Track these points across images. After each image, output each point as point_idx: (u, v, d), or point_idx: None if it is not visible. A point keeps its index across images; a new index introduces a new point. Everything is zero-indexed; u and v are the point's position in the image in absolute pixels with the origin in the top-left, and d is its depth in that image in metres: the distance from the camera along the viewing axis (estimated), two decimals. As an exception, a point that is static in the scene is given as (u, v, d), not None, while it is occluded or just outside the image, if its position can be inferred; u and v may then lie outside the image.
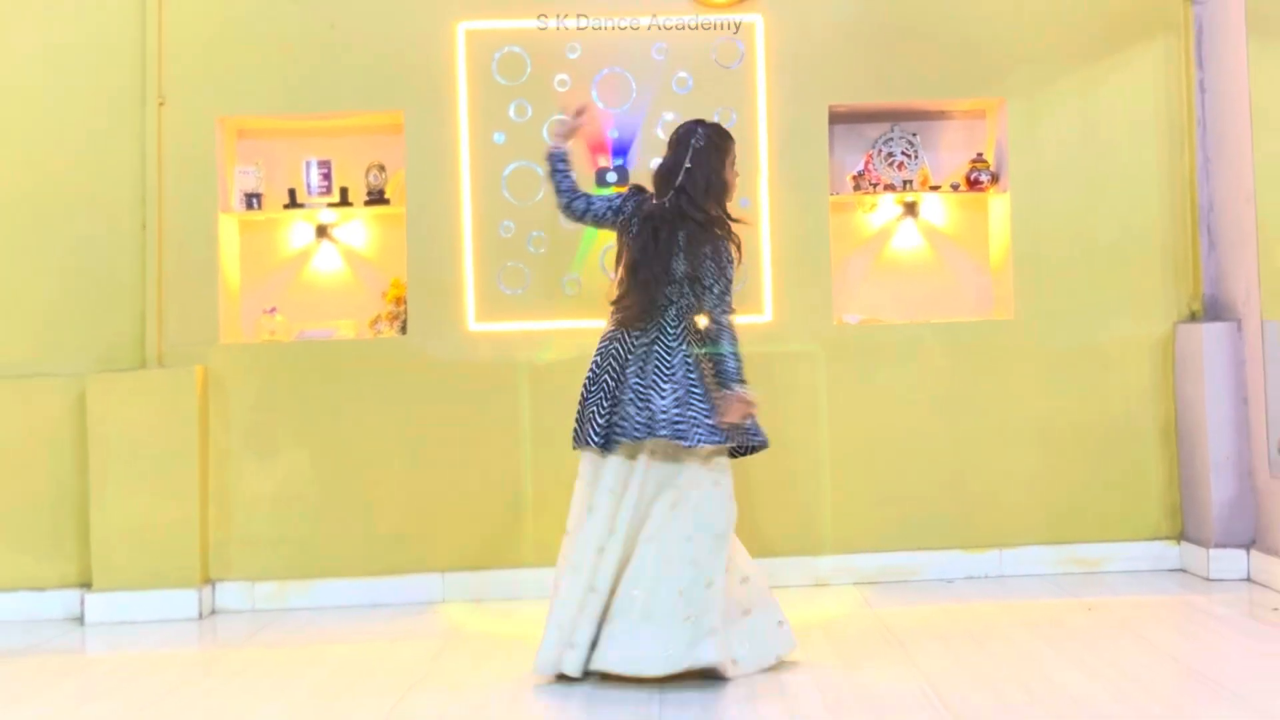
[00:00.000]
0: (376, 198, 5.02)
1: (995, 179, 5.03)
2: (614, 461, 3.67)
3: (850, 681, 3.53)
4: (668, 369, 3.67)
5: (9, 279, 4.82)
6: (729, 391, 3.66)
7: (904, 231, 5.19)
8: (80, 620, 4.64)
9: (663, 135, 4.86)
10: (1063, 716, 3.17)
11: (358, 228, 5.16)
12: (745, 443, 3.78)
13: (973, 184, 5.03)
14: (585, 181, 4.80)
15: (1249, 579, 4.61)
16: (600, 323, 4.75)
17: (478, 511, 4.84)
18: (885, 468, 4.90)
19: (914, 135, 5.10)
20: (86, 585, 4.71)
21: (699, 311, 3.73)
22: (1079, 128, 4.95)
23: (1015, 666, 3.62)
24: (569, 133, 3.94)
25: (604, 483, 3.67)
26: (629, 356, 3.71)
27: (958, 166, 5.15)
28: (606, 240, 4.87)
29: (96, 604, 4.63)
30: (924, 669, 3.62)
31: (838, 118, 5.03)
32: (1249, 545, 4.65)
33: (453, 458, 4.83)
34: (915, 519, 4.90)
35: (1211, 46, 4.85)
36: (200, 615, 4.65)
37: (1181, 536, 4.89)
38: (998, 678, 3.50)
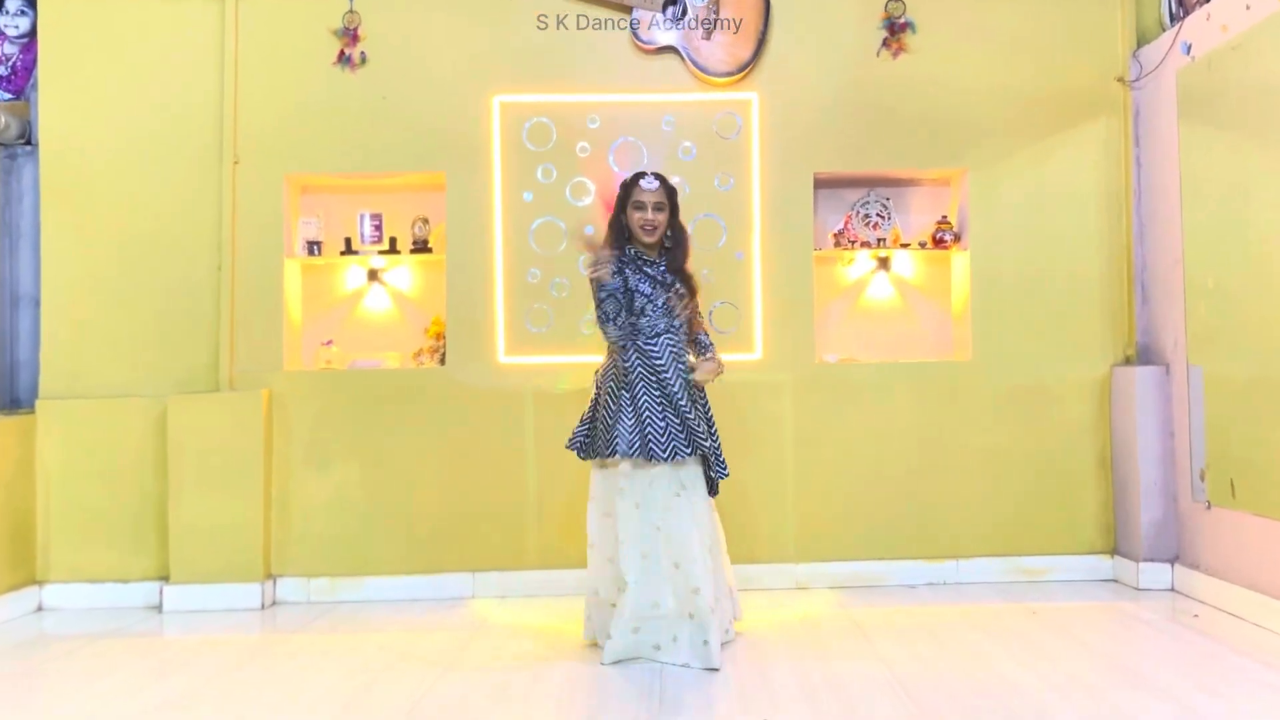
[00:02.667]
0: (421, 246, 5.21)
1: (958, 238, 5.22)
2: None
3: (824, 670, 3.71)
4: None
5: (105, 312, 5.02)
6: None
7: (877, 283, 5.39)
8: (159, 609, 4.82)
9: (669, 196, 5.08)
10: (1004, 701, 3.35)
11: (404, 272, 5.36)
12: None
13: (938, 242, 5.22)
14: (602, 237, 5.04)
15: (1173, 589, 4.79)
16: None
17: (504, 518, 5.01)
18: (858, 487, 5.07)
19: (887, 199, 5.30)
20: (164, 578, 4.90)
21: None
22: (1031, 195, 5.14)
23: (966, 660, 3.80)
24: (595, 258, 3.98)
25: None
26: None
27: (925, 227, 5.34)
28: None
29: (173, 594, 4.81)
30: (888, 661, 3.81)
31: (821, 183, 5.23)
32: (1173, 560, 4.83)
33: (483, 472, 5.02)
34: (884, 532, 5.07)
35: (1147, 126, 5.06)
36: (262, 606, 4.83)
37: (1114, 551, 5.06)
38: (951, 669, 3.69)
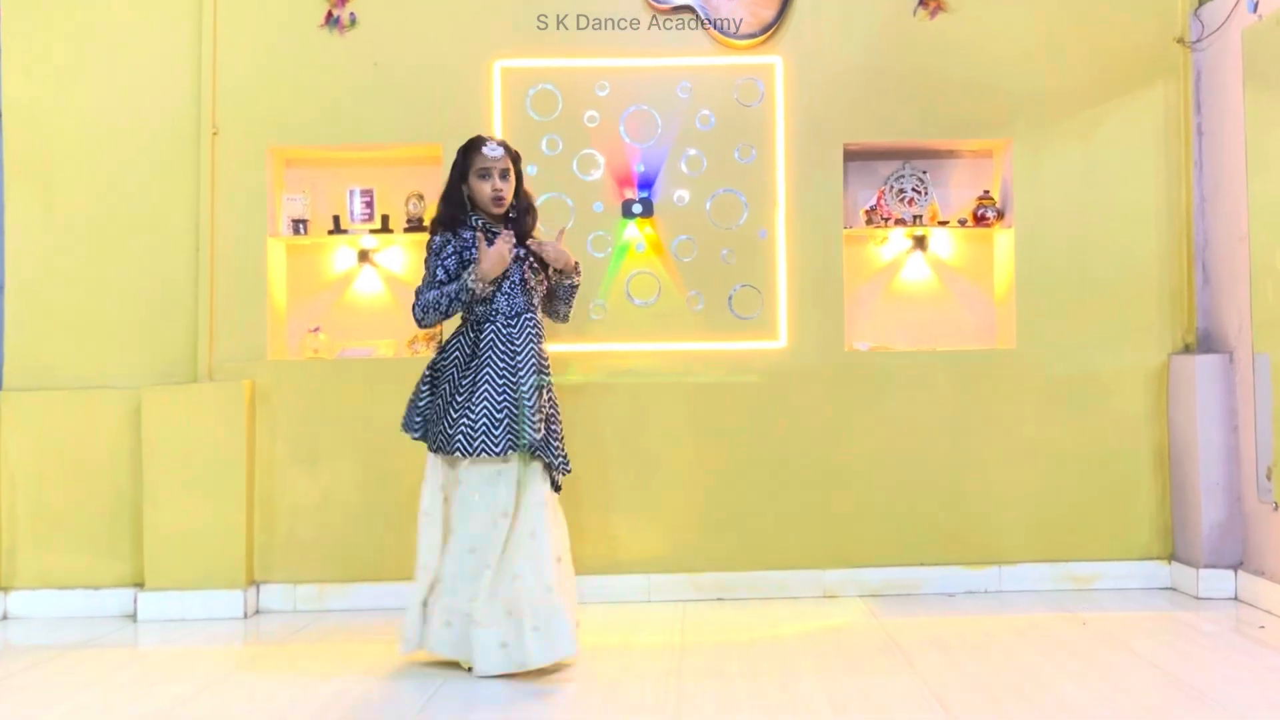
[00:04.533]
0: (416, 225, 5.13)
1: (1000, 215, 5.13)
2: None
3: (857, 686, 3.62)
4: None
5: (75, 297, 4.96)
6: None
7: (913, 264, 5.29)
8: (133, 618, 4.76)
9: (686, 170, 5.00)
10: (1054, 724, 3.27)
11: (397, 253, 5.28)
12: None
13: (979, 219, 5.13)
14: (612, 213, 4.98)
15: (1236, 598, 4.69)
16: (625, 345, 4.94)
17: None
18: (892, 486, 4.98)
19: (924, 173, 5.20)
20: (139, 585, 4.83)
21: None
22: (1081, 167, 5.04)
23: (1013, 675, 3.71)
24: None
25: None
26: None
27: (965, 203, 5.25)
28: (631, 268, 5.01)
29: (148, 602, 4.75)
30: (927, 676, 3.72)
31: (851, 155, 5.14)
32: (1237, 566, 4.73)
33: (483, 470, 4.94)
34: (919, 535, 4.98)
35: (1209, 91, 4.95)
36: (245, 615, 4.77)
37: (1172, 557, 4.96)
38: (996, 685, 3.60)
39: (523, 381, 3.83)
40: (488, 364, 3.86)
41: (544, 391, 3.92)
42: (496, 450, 3.76)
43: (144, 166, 5.00)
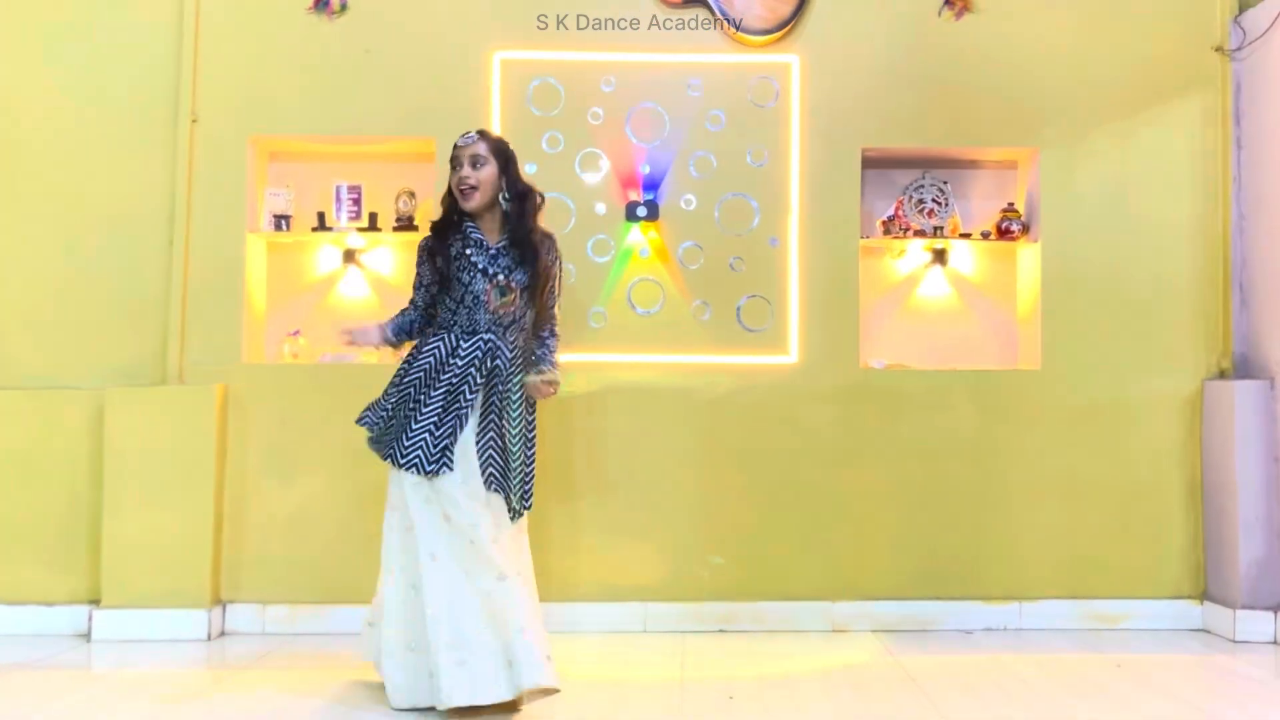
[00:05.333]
0: (405, 224, 4.83)
1: (1026, 229, 4.83)
2: None
3: (876, 732, 3.30)
4: None
5: (37, 291, 4.65)
6: None
7: (932, 278, 4.99)
8: (87, 637, 4.41)
9: (695, 173, 4.70)
10: (1101, 778, 2.94)
11: (385, 254, 4.97)
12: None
13: (1003, 233, 4.83)
14: (615, 216, 4.68)
15: (1276, 642, 4.37)
16: (626, 356, 4.64)
17: (494, 542, 4.61)
18: (906, 514, 4.67)
19: (945, 183, 4.91)
20: (95, 601, 4.49)
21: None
22: (1112, 180, 4.76)
23: (1043, 718, 3.39)
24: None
25: None
26: None
27: (988, 216, 4.96)
28: (634, 275, 4.71)
29: (104, 621, 4.40)
30: (948, 718, 3.39)
31: (868, 163, 4.85)
32: (1277, 608, 4.41)
33: (471, 487, 4.62)
34: (935, 567, 4.66)
35: (1250, 101, 4.67)
36: (209, 636, 4.42)
37: (1204, 596, 4.64)
38: (1029, 734, 3.28)
39: (437, 399, 3.53)
40: (418, 373, 3.58)
41: (485, 417, 3.55)
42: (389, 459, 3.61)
43: (116, 154, 4.69)
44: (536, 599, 3.58)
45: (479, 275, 3.57)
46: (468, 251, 3.60)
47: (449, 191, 3.69)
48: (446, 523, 3.44)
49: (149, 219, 4.67)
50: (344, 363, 4.73)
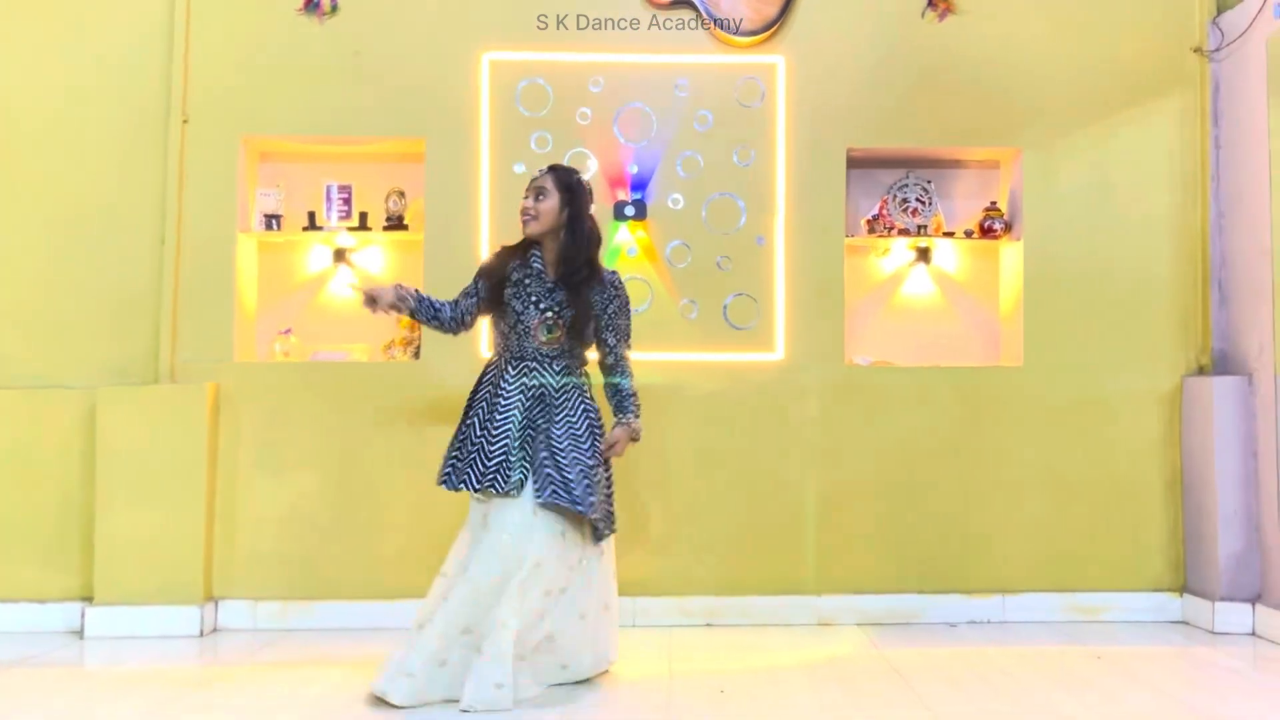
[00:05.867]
0: (395, 223, 4.83)
1: (1008, 227, 4.86)
2: None
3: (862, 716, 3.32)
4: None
5: (28, 290, 4.63)
6: None
7: (916, 276, 5.01)
8: (80, 634, 4.40)
9: (682, 172, 4.71)
10: (1083, 768, 2.96)
11: (375, 253, 4.97)
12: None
13: (985, 231, 4.85)
14: (603, 215, 4.68)
15: (1254, 633, 4.40)
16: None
17: (483, 539, 4.61)
18: (891, 509, 4.68)
19: (929, 182, 4.93)
20: (88, 599, 4.47)
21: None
22: (1093, 180, 4.78)
23: (1031, 711, 3.40)
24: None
25: None
26: None
27: (971, 214, 4.98)
28: (623, 273, 4.65)
29: (97, 618, 4.39)
30: (937, 710, 3.40)
31: (853, 163, 4.86)
32: (1254, 600, 4.44)
33: (461, 484, 4.61)
34: (920, 561, 4.68)
35: (1229, 102, 4.70)
36: (201, 632, 4.41)
37: (1184, 589, 4.67)
38: (1012, 725, 3.30)
39: (494, 422, 3.63)
40: (481, 403, 3.71)
41: (538, 437, 3.62)
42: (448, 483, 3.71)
43: (108, 154, 4.68)
44: (570, 627, 3.63)
45: (531, 307, 3.65)
46: (526, 281, 3.66)
47: None
48: (484, 543, 3.55)
49: (141, 219, 4.65)
50: (335, 361, 4.73)
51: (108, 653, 4.18)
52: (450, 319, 3.77)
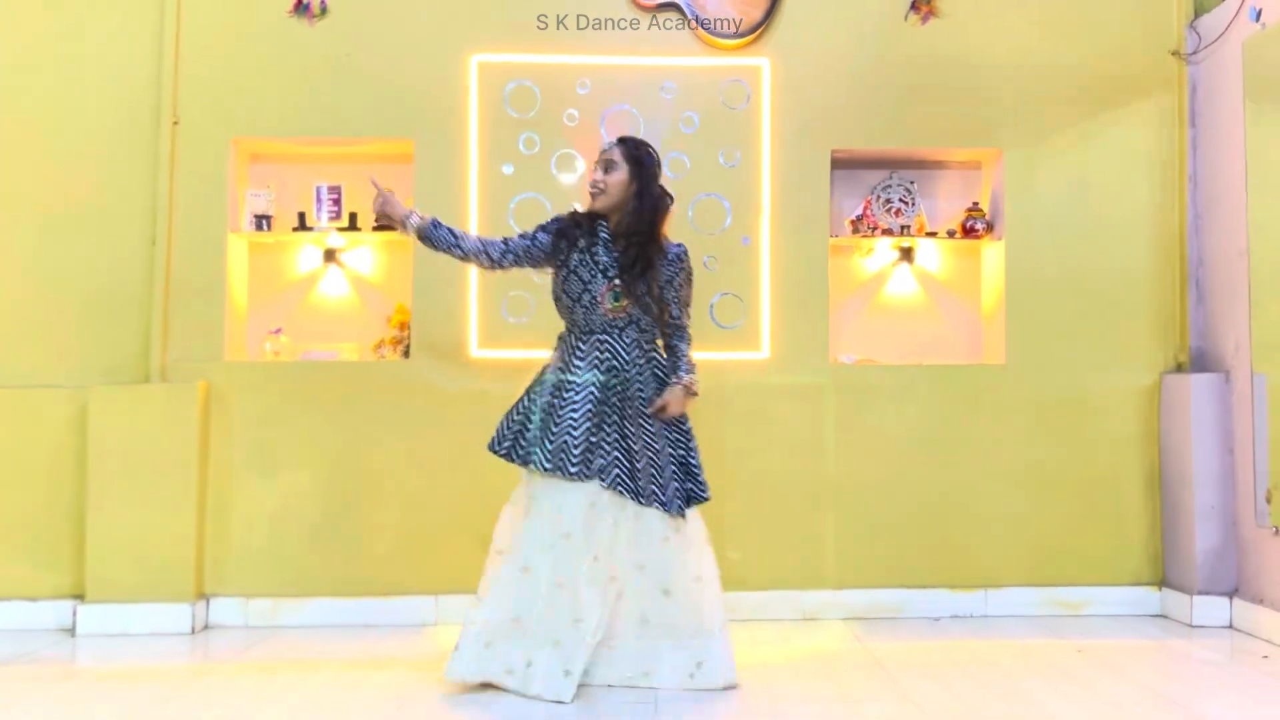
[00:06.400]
0: (385, 224, 4.82)
1: (990, 227, 4.88)
2: None
3: (848, 714, 3.32)
4: None
5: (19, 290, 4.60)
6: None
7: (899, 276, 5.03)
8: (71, 631, 4.39)
9: (669, 173, 4.68)
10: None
11: (365, 253, 4.97)
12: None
13: (968, 231, 4.88)
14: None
15: (1231, 626, 4.43)
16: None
17: (473, 536, 4.57)
18: (874, 505, 4.70)
19: (911, 183, 4.95)
20: (79, 597, 4.45)
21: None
22: (1073, 180, 4.81)
23: (1011, 703, 3.42)
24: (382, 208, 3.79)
25: None
26: None
27: (953, 215, 5.00)
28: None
29: (88, 615, 4.38)
30: (920, 702, 3.42)
31: (837, 164, 4.87)
32: (1232, 593, 4.47)
33: (451, 482, 4.62)
34: (903, 557, 4.70)
35: (1206, 104, 4.73)
36: (193, 630, 4.40)
37: (1162, 583, 4.70)
38: (994, 714, 3.31)
39: (564, 400, 3.59)
40: (556, 374, 3.67)
41: (612, 414, 3.58)
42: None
43: (99, 154, 4.66)
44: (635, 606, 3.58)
45: (599, 275, 3.59)
46: (595, 249, 3.62)
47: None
48: (553, 523, 3.51)
49: (132, 219, 4.63)
50: (325, 360, 4.72)
51: (99, 650, 4.16)
52: (476, 250, 3.70)
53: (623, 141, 3.72)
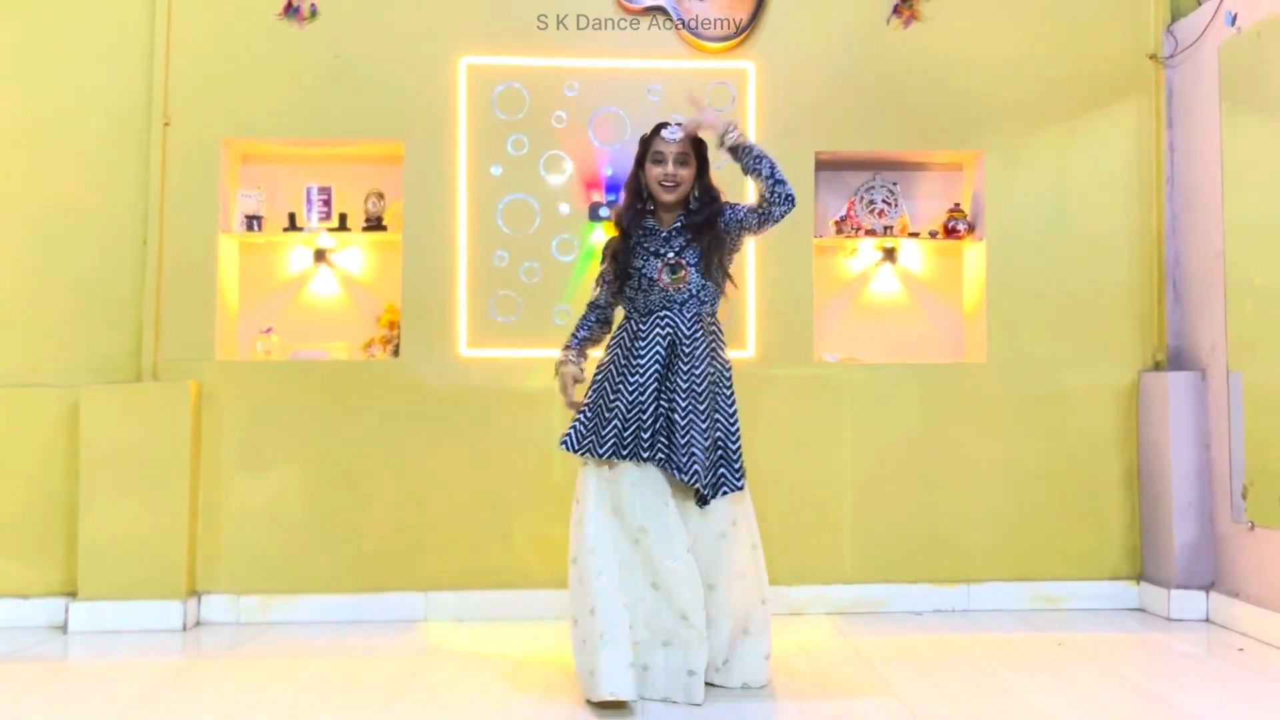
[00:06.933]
0: (374, 224, 4.83)
1: (971, 228, 4.91)
2: None
3: (831, 706, 3.34)
4: None
5: (10, 290, 4.59)
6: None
7: (882, 276, 5.05)
8: (63, 629, 4.37)
9: (655, 174, 4.73)
10: (1044, 749, 3.00)
11: (355, 253, 4.96)
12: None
13: (950, 232, 4.90)
14: (579, 216, 4.70)
15: (1208, 620, 4.47)
16: (592, 352, 4.60)
17: (461, 533, 4.62)
18: (858, 502, 4.72)
19: (894, 184, 4.97)
20: (71, 594, 4.45)
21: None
22: (1052, 182, 4.84)
23: (993, 695, 3.44)
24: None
25: None
26: None
27: (935, 215, 5.03)
28: (596, 273, 4.72)
29: (80, 612, 4.36)
30: (903, 695, 3.44)
31: (821, 165, 4.89)
32: (1208, 587, 4.51)
33: (440, 479, 4.62)
34: (886, 553, 4.72)
35: (1182, 109, 4.76)
36: (184, 626, 4.39)
37: (1140, 577, 4.74)
38: (974, 705, 3.33)
39: (628, 384, 3.44)
40: (611, 359, 3.54)
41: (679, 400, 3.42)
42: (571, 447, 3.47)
43: (91, 156, 4.65)
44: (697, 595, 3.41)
45: (651, 258, 3.51)
46: (643, 239, 3.54)
47: (633, 184, 3.59)
48: (616, 514, 3.41)
49: (123, 220, 4.62)
50: (315, 359, 4.72)
51: (91, 647, 4.15)
52: (601, 328, 3.73)
53: (689, 134, 3.57)
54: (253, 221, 4.80)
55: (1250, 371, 4.28)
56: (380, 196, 4.84)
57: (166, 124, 4.64)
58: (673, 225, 3.55)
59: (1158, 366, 4.78)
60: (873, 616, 4.60)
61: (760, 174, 3.48)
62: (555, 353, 4.53)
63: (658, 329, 3.48)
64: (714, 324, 3.61)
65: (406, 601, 4.57)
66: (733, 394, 3.58)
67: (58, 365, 4.57)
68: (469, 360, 4.68)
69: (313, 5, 4.69)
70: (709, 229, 3.53)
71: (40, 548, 4.48)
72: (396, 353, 4.78)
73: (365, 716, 3.26)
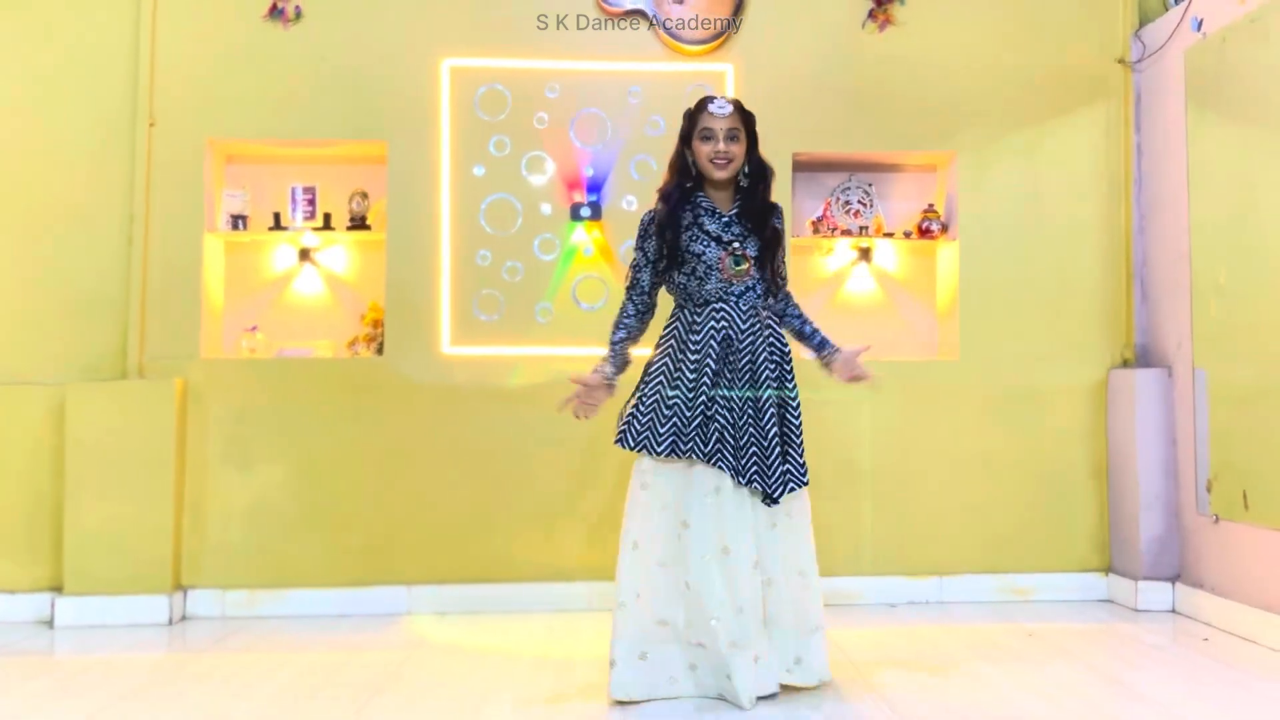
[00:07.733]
0: (358, 224, 4.82)
1: (945, 228, 4.94)
2: None
3: (807, 698, 3.36)
4: None
5: (-4, 287, 4.57)
6: None
7: (858, 275, 5.08)
8: (50, 624, 4.35)
9: (635, 175, 4.75)
10: (1015, 737, 3.03)
11: (339, 252, 4.95)
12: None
13: (924, 232, 4.93)
14: (560, 216, 4.71)
15: (1174, 610, 4.51)
16: (571, 350, 4.61)
17: (445, 527, 4.62)
18: (833, 496, 4.71)
19: (869, 185, 5.00)
20: (58, 589, 4.42)
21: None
22: (1023, 183, 4.87)
23: (967, 685, 3.47)
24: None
25: None
26: None
27: (909, 216, 5.05)
28: (579, 272, 4.74)
29: (67, 608, 4.34)
30: (878, 687, 3.46)
31: (799, 166, 4.91)
32: (1174, 579, 4.55)
33: (423, 475, 4.62)
34: (860, 546, 4.75)
35: (1149, 112, 4.81)
36: (170, 621, 4.38)
37: (1109, 569, 4.78)
38: (951, 696, 3.36)
39: (685, 378, 3.29)
40: (666, 353, 3.37)
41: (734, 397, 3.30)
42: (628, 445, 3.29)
43: (76, 155, 4.62)
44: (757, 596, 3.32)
45: (713, 244, 3.32)
46: (701, 220, 3.35)
47: (678, 161, 3.42)
48: (669, 512, 3.28)
49: (109, 219, 4.60)
50: (300, 357, 4.71)
51: (78, 642, 4.13)
52: (640, 319, 3.48)
53: (738, 106, 3.40)
54: (238, 221, 4.78)
55: (1215, 368, 4.33)
56: (364, 196, 4.83)
57: (152, 124, 4.62)
58: (731, 211, 3.40)
59: (1125, 364, 4.82)
60: (847, 609, 4.61)
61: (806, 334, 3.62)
62: (537, 350, 4.65)
63: (712, 322, 3.31)
64: (770, 316, 3.46)
65: (390, 595, 4.57)
66: (795, 386, 3.45)
67: (44, 363, 4.54)
68: (452, 358, 4.67)
69: (297, 7, 4.67)
70: (764, 224, 3.38)
71: (27, 543, 4.45)
72: (380, 351, 4.77)
73: (351, 709, 3.26)
